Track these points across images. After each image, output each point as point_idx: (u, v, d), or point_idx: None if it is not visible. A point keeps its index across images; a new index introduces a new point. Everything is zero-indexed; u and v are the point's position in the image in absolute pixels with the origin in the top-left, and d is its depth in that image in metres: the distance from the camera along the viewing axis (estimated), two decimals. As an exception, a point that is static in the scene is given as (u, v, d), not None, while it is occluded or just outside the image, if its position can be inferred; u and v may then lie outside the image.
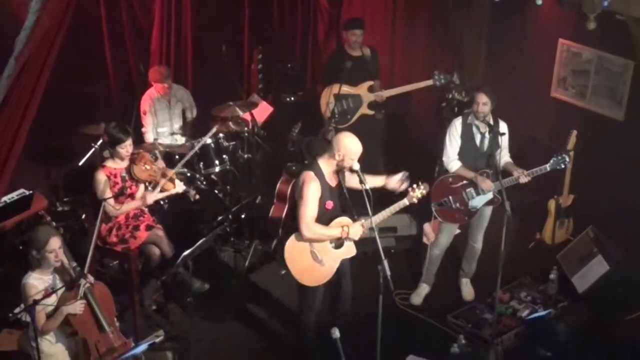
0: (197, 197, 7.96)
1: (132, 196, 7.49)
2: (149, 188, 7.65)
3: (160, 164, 7.92)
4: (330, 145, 6.61)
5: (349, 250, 6.80)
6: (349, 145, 6.49)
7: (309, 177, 6.48)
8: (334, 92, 8.90)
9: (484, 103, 7.37)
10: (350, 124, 9.03)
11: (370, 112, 9.15)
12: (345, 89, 8.91)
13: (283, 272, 6.96)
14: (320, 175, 6.52)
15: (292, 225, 6.65)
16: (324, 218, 6.58)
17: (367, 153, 9.30)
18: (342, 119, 8.99)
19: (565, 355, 7.12)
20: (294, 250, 6.63)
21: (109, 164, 7.44)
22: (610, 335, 7.37)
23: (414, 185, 6.80)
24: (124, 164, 7.44)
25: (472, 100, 7.71)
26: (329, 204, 6.59)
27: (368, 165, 8.96)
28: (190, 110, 9.44)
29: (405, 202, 6.75)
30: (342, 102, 8.99)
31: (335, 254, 6.75)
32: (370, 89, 9.05)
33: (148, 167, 7.50)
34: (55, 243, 5.90)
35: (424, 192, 6.80)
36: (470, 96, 9.14)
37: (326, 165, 6.58)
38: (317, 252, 6.64)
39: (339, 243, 6.72)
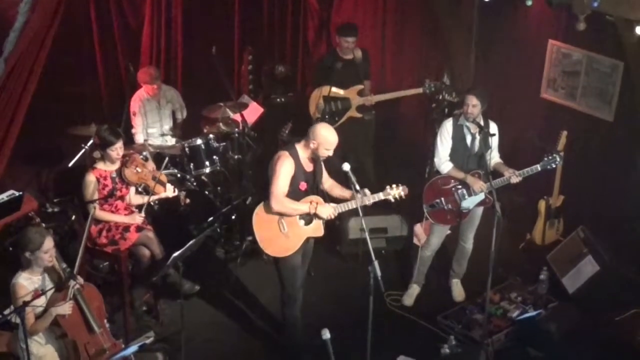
0: (188, 201, 7.96)
1: (121, 198, 7.49)
2: (139, 189, 7.65)
3: (151, 165, 7.92)
4: (308, 134, 6.71)
5: (317, 230, 6.93)
6: (324, 134, 6.63)
7: (284, 155, 6.67)
8: (323, 93, 8.93)
9: (473, 105, 7.37)
10: (339, 125, 9.06)
11: (358, 115, 9.21)
12: (335, 91, 8.93)
13: (265, 256, 7.10)
14: (295, 156, 6.69)
15: None
16: (296, 198, 6.74)
17: (357, 154, 9.38)
18: (330, 121, 9.01)
19: (556, 356, 7.13)
20: (262, 217, 6.81)
21: (100, 165, 7.43)
22: (600, 335, 7.39)
23: (394, 185, 6.89)
24: (115, 166, 7.43)
25: (462, 101, 7.71)
26: (303, 185, 6.76)
27: (358, 165, 9.02)
28: (181, 111, 9.43)
29: (380, 195, 6.87)
30: (330, 104, 9.04)
31: (302, 229, 6.89)
32: (360, 93, 9.09)
33: (139, 170, 7.50)
34: (49, 243, 5.91)
35: (402, 193, 6.89)
36: (460, 97, 9.17)
37: (302, 150, 6.74)
38: (284, 223, 6.79)
39: (308, 219, 6.85)
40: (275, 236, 6.83)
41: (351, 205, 6.76)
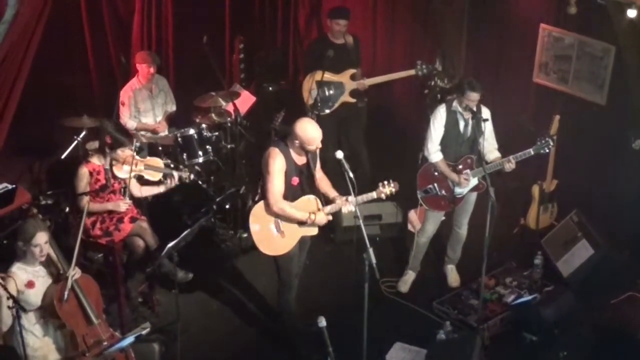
0: (192, 176, 7.89)
1: (113, 192, 7.47)
2: (135, 181, 7.61)
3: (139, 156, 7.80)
4: (291, 132, 6.71)
5: (311, 229, 6.96)
6: (303, 132, 6.63)
7: (274, 152, 6.67)
8: (316, 79, 8.90)
9: (473, 100, 7.34)
10: (332, 111, 9.05)
11: (352, 100, 9.16)
12: (328, 76, 8.90)
13: (245, 234, 7.23)
14: (285, 151, 6.69)
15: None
16: (289, 193, 6.76)
17: (351, 141, 9.36)
18: (324, 106, 9.01)
19: (551, 340, 7.15)
20: (259, 214, 6.82)
21: (94, 160, 7.40)
22: (596, 318, 7.41)
23: (385, 182, 6.87)
24: (107, 161, 7.40)
25: (454, 87, 7.70)
26: (295, 180, 6.76)
27: (352, 153, 9.02)
28: (170, 103, 9.40)
29: (373, 195, 6.88)
30: (324, 89, 9.01)
31: (297, 229, 6.91)
32: (353, 77, 9.06)
33: (127, 166, 7.42)
34: (41, 238, 5.88)
35: (393, 190, 6.89)
36: (452, 83, 9.16)
37: (291, 144, 6.73)
38: (280, 223, 6.82)
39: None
40: (270, 236, 6.85)
41: (343, 208, 6.80)
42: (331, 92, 9.06)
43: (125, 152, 7.34)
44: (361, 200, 6.80)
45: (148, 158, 7.82)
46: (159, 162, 7.80)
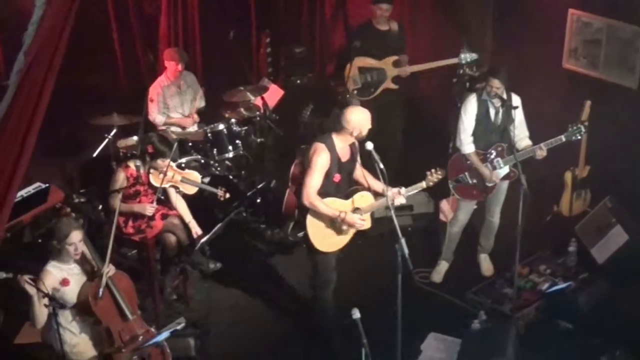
0: (227, 195, 7.88)
1: (146, 196, 7.50)
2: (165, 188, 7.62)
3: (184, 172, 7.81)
4: (342, 124, 6.62)
5: (366, 222, 6.88)
6: (357, 118, 6.59)
7: (320, 147, 6.61)
8: (358, 64, 8.90)
9: (497, 87, 7.30)
10: (374, 97, 9.09)
11: (394, 87, 9.13)
12: (370, 62, 8.90)
13: (300, 234, 7.01)
14: (331, 147, 6.63)
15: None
16: (330, 189, 6.70)
17: (387, 127, 9.33)
18: (366, 92, 9.04)
19: (587, 327, 7.11)
20: (316, 214, 6.71)
21: (132, 164, 7.42)
22: (631, 305, 7.35)
23: (432, 170, 6.83)
24: (144, 167, 7.42)
25: (483, 76, 7.65)
26: (337, 177, 6.70)
27: (387, 138, 9.01)
28: (199, 99, 9.43)
29: (422, 184, 6.85)
30: (366, 75, 9.01)
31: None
32: (395, 64, 9.02)
33: (163, 176, 7.43)
34: (75, 237, 5.91)
35: (440, 177, 6.86)
36: (481, 71, 9.10)
37: (339, 139, 6.67)
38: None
39: (357, 213, 6.76)
40: (328, 233, 6.78)
41: (395, 201, 6.67)
42: (373, 78, 9.05)
43: (165, 162, 7.35)
44: (412, 191, 6.80)
45: (187, 171, 7.83)
46: (197, 176, 7.82)
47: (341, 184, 6.77)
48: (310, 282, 7.19)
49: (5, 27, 9.09)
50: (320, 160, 6.56)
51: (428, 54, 9.56)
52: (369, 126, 6.62)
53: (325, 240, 6.81)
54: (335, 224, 6.75)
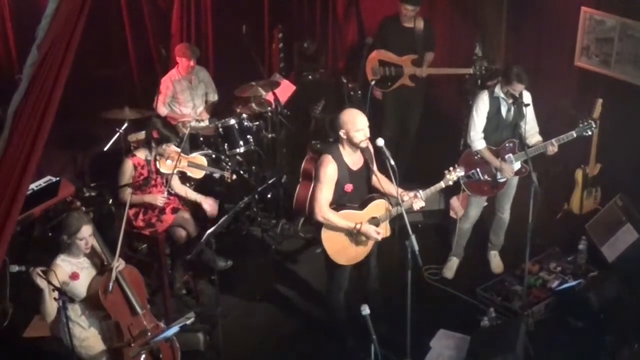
0: (234, 177, 7.91)
1: (156, 186, 7.53)
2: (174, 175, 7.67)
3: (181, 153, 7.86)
4: (337, 130, 6.45)
5: (385, 231, 6.72)
6: (347, 118, 6.36)
7: (326, 159, 6.39)
8: (379, 57, 8.98)
9: (518, 90, 7.27)
10: (393, 91, 9.18)
11: (411, 84, 9.14)
12: (391, 56, 8.94)
13: (318, 250, 6.90)
14: (338, 158, 6.42)
15: None
16: (343, 200, 6.51)
17: (404, 120, 9.34)
18: (383, 85, 9.13)
19: (597, 325, 7.09)
20: (331, 229, 6.53)
21: (139, 153, 7.47)
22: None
23: (451, 168, 6.71)
24: (152, 155, 7.47)
25: (495, 72, 7.63)
26: (348, 187, 6.49)
27: (402, 131, 8.99)
28: (212, 93, 9.44)
29: (441, 184, 6.69)
30: (385, 68, 9.07)
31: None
32: (414, 62, 9.01)
33: (171, 162, 7.50)
34: (86, 231, 5.94)
35: (460, 174, 6.73)
36: (493, 68, 9.09)
37: (345, 147, 6.46)
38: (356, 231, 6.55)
39: (375, 222, 6.59)
40: (347, 246, 6.59)
41: (413, 205, 6.51)
42: (391, 72, 9.09)
43: (170, 148, 7.40)
44: (430, 193, 6.65)
45: (193, 155, 7.87)
46: (203, 160, 7.84)
47: (355, 193, 6.55)
48: (325, 288, 7.12)
49: (19, 20, 9.13)
50: (328, 172, 6.37)
51: (443, 55, 9.55)
52: (362, 126, 6.33)
53: (343, 253, 6.63)
54: (352, 235, 6.57)
